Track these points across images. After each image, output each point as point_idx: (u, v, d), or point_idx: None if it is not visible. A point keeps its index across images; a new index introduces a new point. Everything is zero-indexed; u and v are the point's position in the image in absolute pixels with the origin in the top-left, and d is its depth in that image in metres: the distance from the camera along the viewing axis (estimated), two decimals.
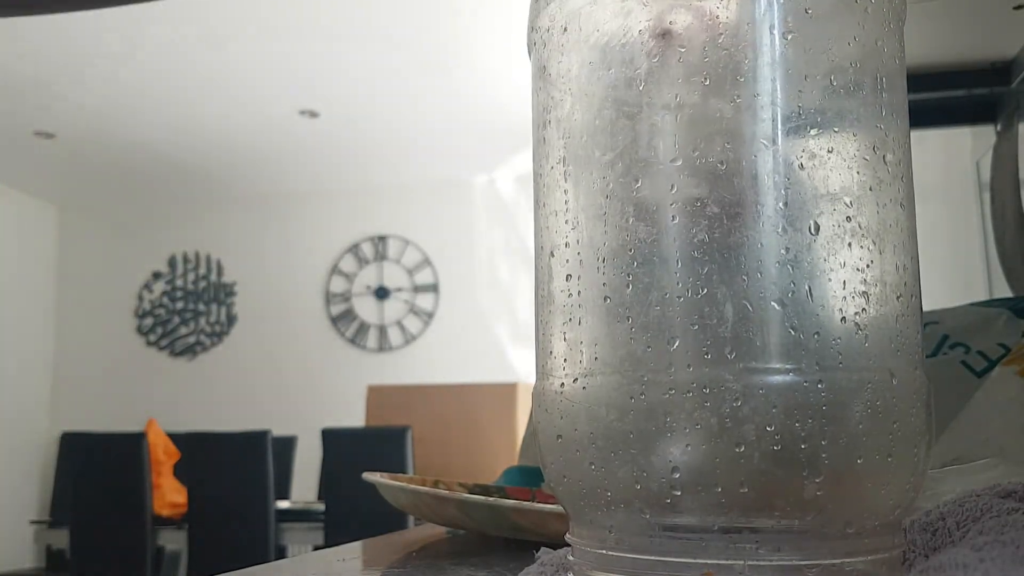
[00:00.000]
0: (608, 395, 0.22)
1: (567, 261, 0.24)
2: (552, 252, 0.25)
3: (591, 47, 0.24)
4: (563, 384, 0.23)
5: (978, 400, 0.43)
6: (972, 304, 0.56)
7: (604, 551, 0.22)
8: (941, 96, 0.87)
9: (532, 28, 0.26)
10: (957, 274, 1.32)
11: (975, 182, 1.09)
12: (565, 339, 0.24)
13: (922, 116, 0.89)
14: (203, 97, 3.61)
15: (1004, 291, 0.84)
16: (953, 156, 1.25)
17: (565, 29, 0.24)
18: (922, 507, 0.28)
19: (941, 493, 0.33)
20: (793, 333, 0.20)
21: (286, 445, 3.53)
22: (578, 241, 0.23)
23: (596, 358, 0.23)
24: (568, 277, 0.24)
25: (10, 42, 3.14)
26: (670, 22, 0.22)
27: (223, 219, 4.83)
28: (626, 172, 0.22)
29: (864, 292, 0.21)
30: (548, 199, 0.25)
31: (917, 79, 0.85)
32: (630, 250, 0.22)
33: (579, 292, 0.23)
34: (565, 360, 0.24)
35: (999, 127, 0.88)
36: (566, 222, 0.24)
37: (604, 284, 0.23)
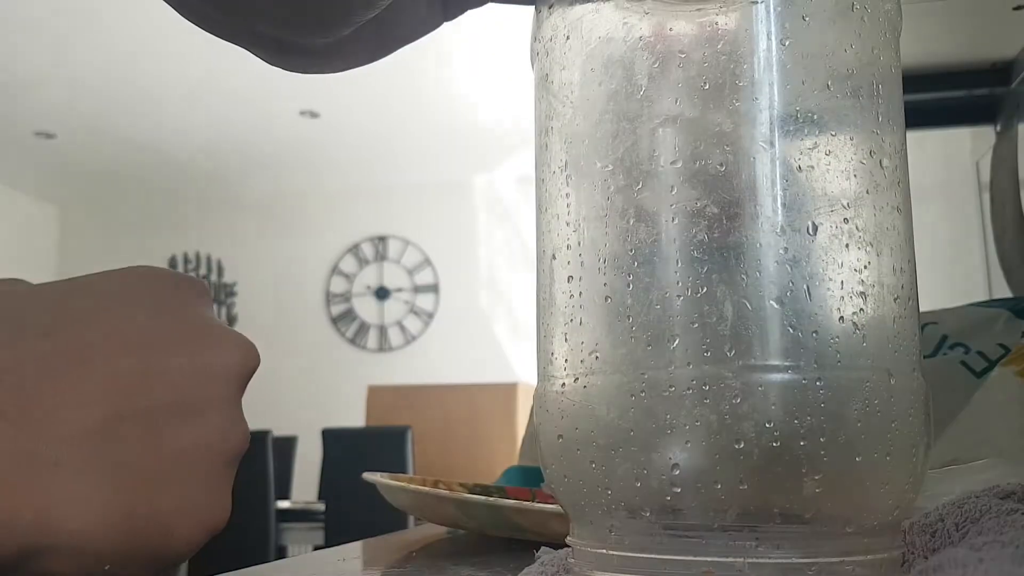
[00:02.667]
0: (609, 394, 0.22)
1: (568, 263, 0.24)
2: (554, 255, 0.25)
3: (592, 56, 0.24)
4: (564, 384, 0.24)
5: (978, 401, 0.43)
6: (972, 304, 0.56)
7: (604, 551, 0.23)
8: (941, 96, 0.87)
9: (535, 38, 0.27)
10: (957, 274, 1.32)
11: (975, 183, 1.09)
12: (566, 340, 0.24)
13: (922, 116, 0.90)
14: (205, 97, 3.61)
15: (1004, 291, 0.85)
16: (953, 157, 1.25)
17: (567, 38, 0.25)
18: (921, 508, 0.28)
19: (940, 493, 0.33)
20: (792, 331, 0.21)
21: (286, 445, 3.53)
22: (579, 243, 0.24)
23: (597, 357, 0.23)
24: (569, 279, 0.24)
25: (10, 42, 3.15)
26: (670, 29, 0.22)
27: (223, 220, 4.84)
28: (627, 176, 0.23)
29: (862, 293, 0.22)
30: (550, 204, 0.25)
31: (917, 79, 0.86)
32: (631, 251, 0.22)
33: (580, 293, 0.23)
34: (566, 361, 0.24)
35: (999, 128, 0.88)
36: (567, 224, 0.24)
37: (605, 285, 0.23)
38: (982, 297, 0.90)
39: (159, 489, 0.22)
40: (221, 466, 0.24)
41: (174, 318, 0.25)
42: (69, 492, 0.20)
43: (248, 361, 0.25)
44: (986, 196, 0.91)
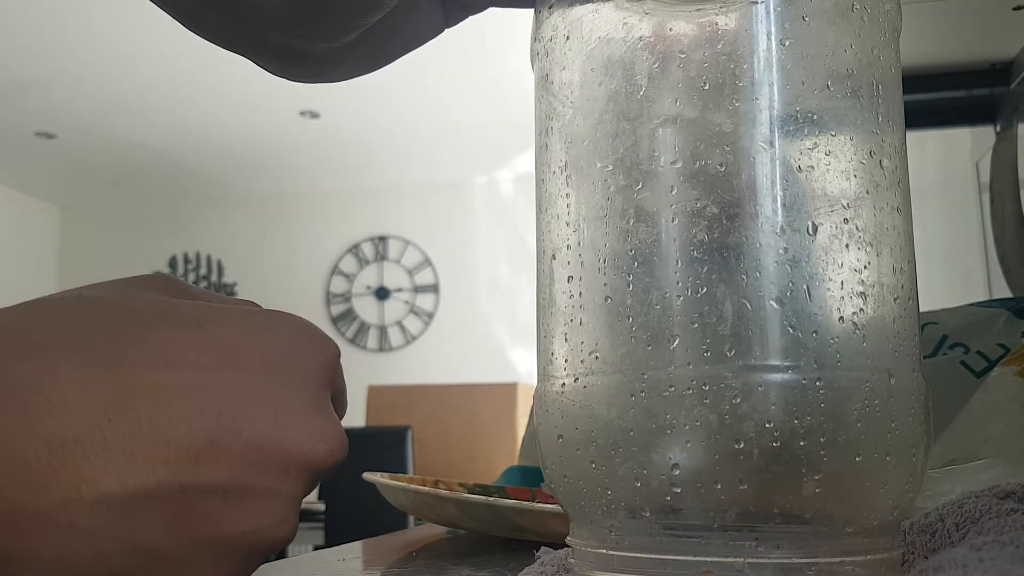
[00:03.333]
0: (609, 394, 0.22)
1: (568, 263, 0.24)
2: (554, 255, 0.25)
3: (592, 56, 0.24)
4: (564, 384, 0.24)
5: (977, 400, 0.43)
6: (971, 304, 0.56)
7: (604, 551, 0.23)
8: (941, 96, 0.87)
9: (535, 39, 0.27)
10: (956, 274, 1.32)
11: (975, 183, 1.09)
12: (566, 340, 0.24)
13: (922, 117, 0.90)
14: (205, 97, 3.61)
15: (1004, 291, 0.85)
16: (953, 157, 1.25)
17: (567, 38, 0.25)
18: (921, 508, 0.28)
19: (941, 493, 0.33)
20: (792, 332, 0.21)
21: None
22: (579, 243, 0.24)
23: (597, 357, 0.23)
24: (569, 279, 0.24)
25: (10, 42, 3.15)
26: (670, 29, 0.22)
27: (224, 220, 4.84)
28: (627, 176, 0.23)
29: (862, 293, 0.22)
30: (550, 204, 0.25)
31: (917, 80, 0.86)
32: (631, 251, 0.22)
33: (580, 293, 0.23)
34: (566, 361, 0.24)
35: (999, 128, 0.88)
36: (567, 224, 0.24)
37: (605, 285, 0.23)
38: (982, 297, 0.90)
39: (164, 571, 0.21)
40: (247, 557, 0.22)
41: (278, 384, 0.22)
42: (62, 555, 0.19)
43: (329, 457, 0.23)
44: (986, 196, 0.91)
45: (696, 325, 0.21)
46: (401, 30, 0.28)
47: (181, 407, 0.20)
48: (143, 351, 0.21)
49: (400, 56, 0.29)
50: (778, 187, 0.21)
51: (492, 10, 0.29)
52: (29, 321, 0.21)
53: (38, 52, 3.22)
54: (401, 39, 0.28)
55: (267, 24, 0.25)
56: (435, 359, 4.52)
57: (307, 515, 3.12)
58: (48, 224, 4.92)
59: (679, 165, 0.22)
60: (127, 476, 0.20)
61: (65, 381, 0.20)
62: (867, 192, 0.22)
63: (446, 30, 0.30)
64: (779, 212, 0.21)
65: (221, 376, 0.21)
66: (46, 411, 0.19)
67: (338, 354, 0.26)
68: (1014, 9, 0.73)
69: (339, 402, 0.27)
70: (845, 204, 0.22)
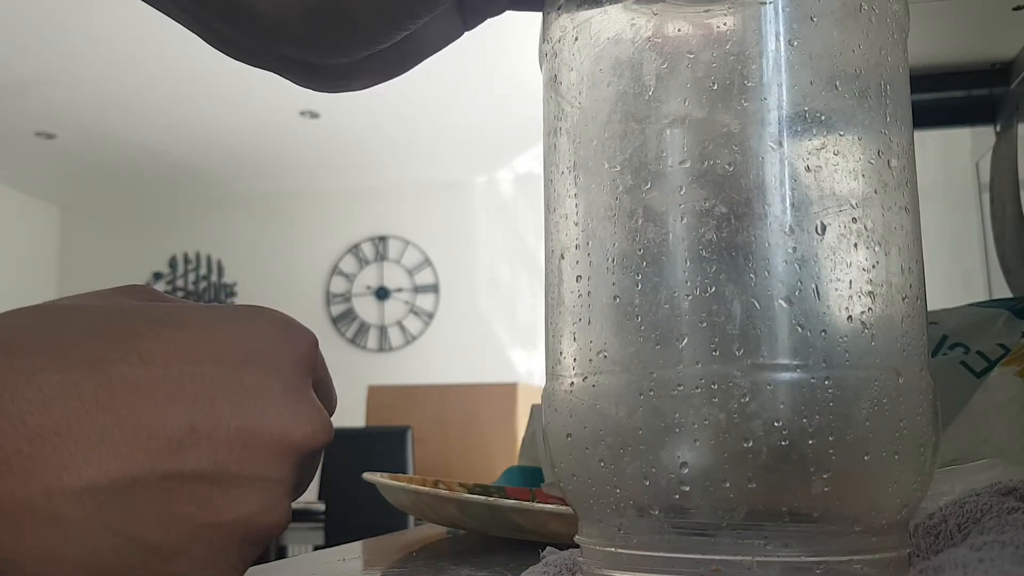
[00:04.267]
0: (617, 392, 0.22)
1: (577, 263, 0.24)
2: (562, 255, 0.25)
3: (601, 57, 0.24)
4: (573, 383, 0.24)
5: (977, 400, 0.43)
6: (972, 304, 0.56)
7: (613, 549, 0.23)
8: (941, 96, 0.88)
9: (544, 40, 0.27)
10: (957, 274, 1.32)
11: (975, 183, 1.09)
12: (575, 339, 0.24)
13: (922, 117, 0.90)
14: (205, 97, 3.61)
15: (1004, 291, 0.85)
16: (953, 157, 1.25)
17: (576, 39, 0.25)
18: (923, 508, 0.28)
19: (941, 493, 0.33)
20: (800, 331, 0.21)
21: None
22: (588, 243, 0.24)
23: (606, 356, 0.23)
24: (578, 279, 0.24)
25: (10, 42, 3.15)
26: (678, 30, 0.23)
27: (224, 219, 4.84)
28: (636, 176, 0.23)
29: (870, 292, 0.22)
30: (558, 204, 0.25)
31: (917, 80, 0.85)
32: (639, 250, 0.22)
33: (589, 293, 0.24)
34: (575, 360, 0.24)
35: (999, 128, 0.89)
36: (576, 224, 0.24)
37: (614, 284, 0.23)
38: (982, 297, 0.90)
39: (160, 563, 0.21)
40: (241, 546, 0.22)
41: (254, 372, 0.22)
42: (55, 549, 0.19)
43: (315, 439, 0.23)
44: (986, 196, 0.91)
45: (705, 324, 0.21)
46: (420, 37, 0.28)
47: (159, 398, 0.21)
48: (118, 349, 0.21)
49: (419, 62, 0.29)
50: (787, 187, 0.21)
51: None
52: (2, 326, 0.21)
53: (38, 52, 3.22)
54: (420, 46, 0.29)
55: (290, 42, 0.25)
56: (435, 359, 4.52)
57: (307, 515, 3.12)
58: (48, 224, 4.91)
59: (687, 165, 0.22)
60: (110, 465, 0.20)
61: (42, 379, 0.20)
62: (875, 192, 0.22)
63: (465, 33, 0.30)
64: (787, 212, 0.21)
65: (197, 369, 0.21)
66: (24, 408, 0.19)
67: (315, 343, 0.25)
68: (1014, 9, 0.73)
69: (324, 391, 0.27)
70: (853, 204, 0.22)
